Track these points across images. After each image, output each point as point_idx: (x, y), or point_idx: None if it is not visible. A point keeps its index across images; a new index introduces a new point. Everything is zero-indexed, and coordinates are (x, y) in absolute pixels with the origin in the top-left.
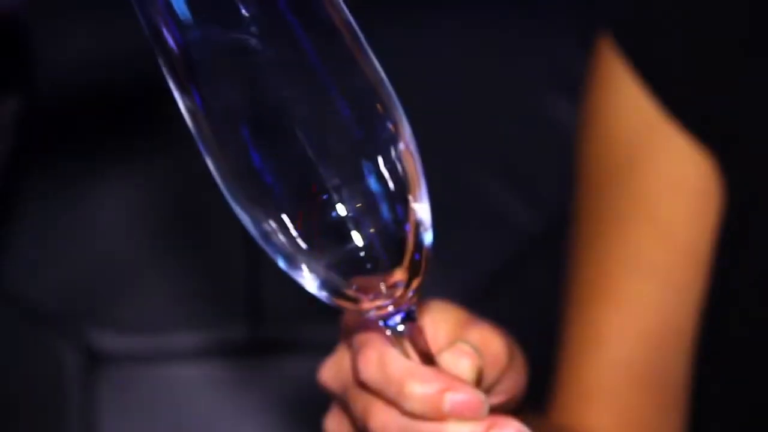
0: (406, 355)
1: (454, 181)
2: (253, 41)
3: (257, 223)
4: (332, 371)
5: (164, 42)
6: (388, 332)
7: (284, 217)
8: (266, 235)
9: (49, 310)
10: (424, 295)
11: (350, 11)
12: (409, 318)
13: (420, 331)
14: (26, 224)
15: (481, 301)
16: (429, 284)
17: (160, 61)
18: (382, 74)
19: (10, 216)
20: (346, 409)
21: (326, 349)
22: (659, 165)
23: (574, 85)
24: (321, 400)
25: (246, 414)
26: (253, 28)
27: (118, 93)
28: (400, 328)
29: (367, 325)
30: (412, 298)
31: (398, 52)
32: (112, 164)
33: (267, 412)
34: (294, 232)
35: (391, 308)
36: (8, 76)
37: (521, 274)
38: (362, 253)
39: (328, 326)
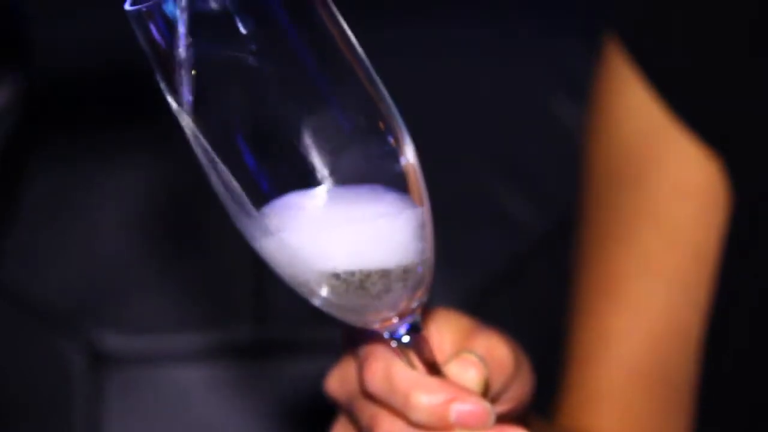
0: (412, 366)
1: (459, 183)
2: (252, 58)
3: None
4: (338, 381)
5: (163, 59)
6: (394, 343)
7: None
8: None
9: (54, 310)
10: (430, 297)
11: (352, 14)
12: (414, 329)
13: (425, 342)
14: (30, 225)
15: (486, 302)
16: (434, 285)
17: (158, 77)
18: (383, 89)
19: (14, 216)
20: (353, 418)
21: (331, 350)
22: (666, 167)
23: (580, 87)
24: (325, 401)
25: (250, 414)
26: (252, 46)
27: (124, 87)
28: (405, 339)
29: (371, 335)
30: (416, 309)
31: (403, 54)
32: (117, 164)
33: (271, 413)
34: None
35: (395, 320)
36: (5, 63)
37: (526, 275)
38: None
39: (332, 327)
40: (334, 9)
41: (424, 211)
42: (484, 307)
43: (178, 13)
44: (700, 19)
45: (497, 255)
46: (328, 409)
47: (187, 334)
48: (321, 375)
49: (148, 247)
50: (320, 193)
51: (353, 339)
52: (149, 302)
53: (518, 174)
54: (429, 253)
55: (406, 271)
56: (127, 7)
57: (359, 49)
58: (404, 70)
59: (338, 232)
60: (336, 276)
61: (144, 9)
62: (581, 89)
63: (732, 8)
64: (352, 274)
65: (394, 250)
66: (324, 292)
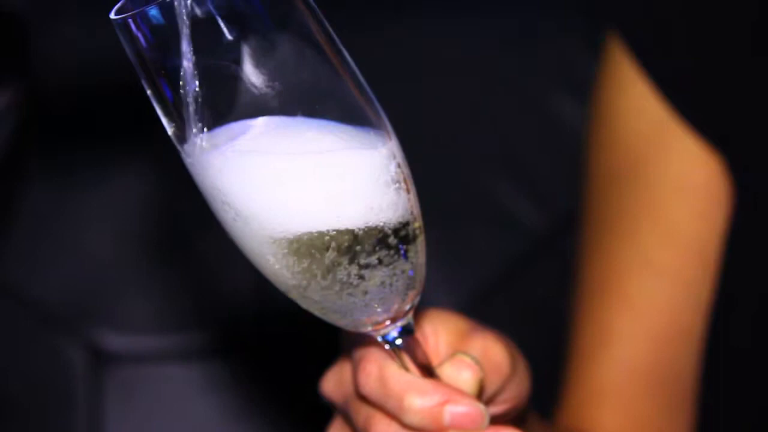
0: (406, 368)
1: (461, 182)
2: (239, 66)
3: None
4: (333, 383)
5: (148, 66)
6: (387, 346)
7: None
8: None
9: (55, 311)
10: (431, 296)
11: (352, 13)
12: (406, 331)
13: (418, 344)
14: (31, 225)
15: (487, 302)
16: (435, 284)
17: (144, 84)
18: (370, 92)
19: (15, 217)
20: (348, 419)
21: (330, 351)
22: (667, 165)
23: (582, 85)
24: (325, 401)
25: (249, 413)
26: (237, 53)
27: (123, 90)
28: (398, 341)
29: (366, 338)
30: (408, 312)
31: (403, 53)
32: (117, 165)
33: (269, 412)
34: None
35: (388, 323)
36: (7, 65)
37: (528, 275)
38: None
39: (332, 328)
40: (320, 14)
41: (394, 146)
42: (485, 307)
43: (182, 26)
44: (702, 18)
45: (498, 254)
46: (327, 409)
47: (187, 334)
48: (320, 376)
49: (148, 247)
50: (259, 123)
51: (351, 340)
52: (149, 302)
53: (520, 173)
54: (410, 214)
55: (373, 239)
56: (113, 15)
57: (345, 52)
58: (404, 69)
59: (262, 165)
60: (277, 240)
61: (129, 17)
62: (583, 88)
63: (733, 8)
64: (302, 236)
65: (346, 204)
66: (273, 263)
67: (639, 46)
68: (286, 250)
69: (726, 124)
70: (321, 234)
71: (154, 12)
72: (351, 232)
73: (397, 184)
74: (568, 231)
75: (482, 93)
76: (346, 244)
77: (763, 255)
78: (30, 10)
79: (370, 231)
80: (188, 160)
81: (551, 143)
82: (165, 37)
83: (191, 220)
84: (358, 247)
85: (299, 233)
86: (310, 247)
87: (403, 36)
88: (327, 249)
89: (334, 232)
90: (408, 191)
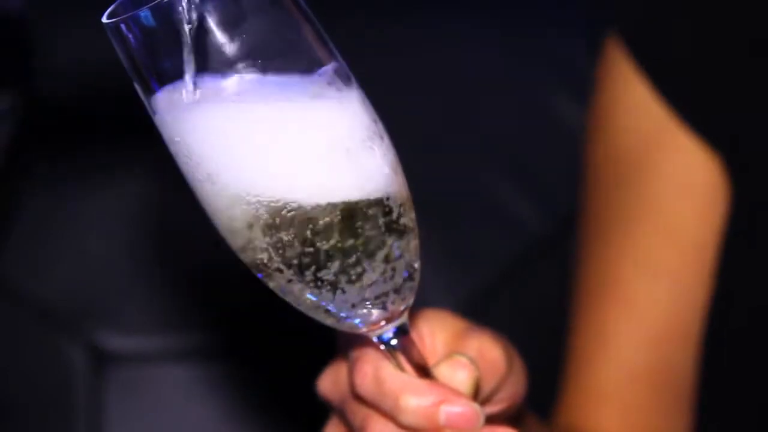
0: (401, 369)
1: (461, 182)
2: (234, 66)
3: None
4: (330, 383)
5: (141, 69)
6: (382, 347)
7: None
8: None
9: (55, 311)
10: (430, 296)
11: (355, 12)
12: (402, 332)
13: (413, 344)
14: (32, 225)
15: (487, 302)
16: (435, 284)
17: (137, 87)
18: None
19: (17, 217)
20: (345, 419)
21: (328, 349)
22: (667, 166)
23: (582, 85)
24: (322, 400)
25: (249, 414)
26: (231, 54)
27: (123, 91)
28: (393, 342)
29: (362, 338)
30: (403, 312)
31: (404, 53)
32: (117, 166)
33: (270, 412)
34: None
35: (383, 323)
36: (7, 73)
37: (528, 275)
38: None
39: (330, 327)
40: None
41: (359, 94)
42: (485, 307)
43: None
44: (702, 19)
45: (498, 255)
46: (323, 408)
47: (187, 334)
48: (318, 375)
49: (148, 247)
50: (231, 80)
51: (347, 340)
52: (149, 302)
53: (520, 174)
54: (395, 188)
55: (362, 219)
56: (104, 20)
57: (337, 53)
58: (405, 69)
59: (235, 114)
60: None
61: (121, 21)
62: (583, 88)
63: (733, 8)
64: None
65: (307, 170)
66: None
67: (639, 47)
68: (261, 220)
69: (726, 125)
70: (311, 208)
71: (145, 14)
72: (342, 205)
73: (380, 139)
74: (569, 231)
75: (482, 93)
76: (335, 217)
77: (761, 255)
78: (30, 12)
79: (358, 205)
80: (156, 117)
81: (551, 143)
82: (156, 40)
83: (191, 220)
84: (344, 226)
85: (276, 194)
86: (290, 218)
87: (403, 36)
88: (310, 222)
89: (313, 204)
90: (386, 148)
